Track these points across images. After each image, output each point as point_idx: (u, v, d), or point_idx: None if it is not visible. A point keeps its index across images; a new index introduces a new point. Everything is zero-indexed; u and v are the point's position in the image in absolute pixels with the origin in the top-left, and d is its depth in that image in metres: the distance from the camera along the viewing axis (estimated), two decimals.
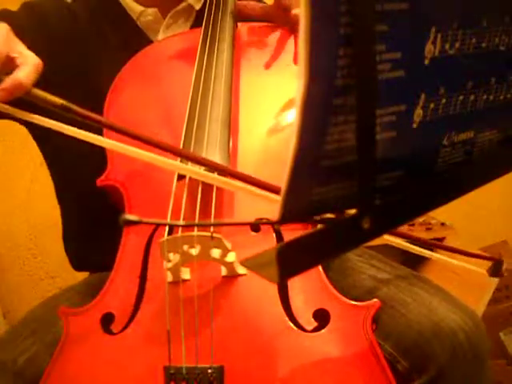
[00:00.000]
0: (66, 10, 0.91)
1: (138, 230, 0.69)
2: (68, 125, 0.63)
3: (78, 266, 0.94)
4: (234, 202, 0.70)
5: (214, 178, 0.64)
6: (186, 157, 0.66)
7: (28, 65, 0.61)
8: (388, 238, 0.67)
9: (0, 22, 0.64)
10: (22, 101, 0.62)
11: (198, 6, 0.93)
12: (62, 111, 0.61)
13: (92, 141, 0.64)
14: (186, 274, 0.65)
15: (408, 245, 0.71)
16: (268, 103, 0.79)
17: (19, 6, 0.91)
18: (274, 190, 0.60)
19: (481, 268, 0.74)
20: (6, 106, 0.62)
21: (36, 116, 0.64)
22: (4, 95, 0.60)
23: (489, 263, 0.72)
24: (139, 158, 0.63)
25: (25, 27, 0.87)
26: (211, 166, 0.64)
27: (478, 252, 0.77)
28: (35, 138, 0.92)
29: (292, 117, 0.76)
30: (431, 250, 0.76)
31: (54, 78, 0.86)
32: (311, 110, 0.30)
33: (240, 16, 0.88)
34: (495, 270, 0.73)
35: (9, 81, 0.60)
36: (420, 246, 0.74)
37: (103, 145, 0.66)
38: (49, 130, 0.63)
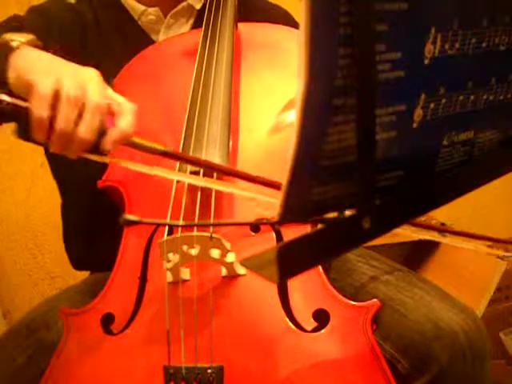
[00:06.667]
0: (70, 13, 0.91)
1: (137, 231, 0.69)
2: None
3: (78, 265, 0.94)
4: (234, 202, 0.70)
5: (213, 182, 0.64)
6: (185, 160, 0.65)
7: (127, 113, 0.61)
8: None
9: (88, 68, 0.62)
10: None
11: (198, 6, 0.93)
12: (162, 155, 0.60)
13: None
14: (185, 274, 0.65)
15: (417, 230, 0.69)
16: (268, 103, 0.79)
17: (26, 11, 0.91)
18: (275, 186, 0.59)
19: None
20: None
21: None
22: (114, 147, 0.59)
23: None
24: (140, 171, 0.63)
25: (35, 32, 0.87)
26: (210, 167, 0.64)
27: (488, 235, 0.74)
28: None
29: (292, 116, 0.76)
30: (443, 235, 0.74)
31: None
32: (311, 109, 0.30)
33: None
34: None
35: (116, 133, 0.59)
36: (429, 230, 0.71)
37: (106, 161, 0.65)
38: None
